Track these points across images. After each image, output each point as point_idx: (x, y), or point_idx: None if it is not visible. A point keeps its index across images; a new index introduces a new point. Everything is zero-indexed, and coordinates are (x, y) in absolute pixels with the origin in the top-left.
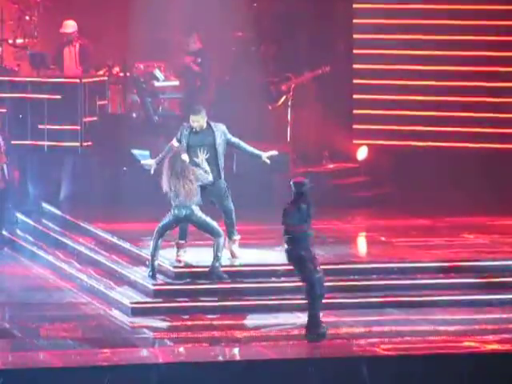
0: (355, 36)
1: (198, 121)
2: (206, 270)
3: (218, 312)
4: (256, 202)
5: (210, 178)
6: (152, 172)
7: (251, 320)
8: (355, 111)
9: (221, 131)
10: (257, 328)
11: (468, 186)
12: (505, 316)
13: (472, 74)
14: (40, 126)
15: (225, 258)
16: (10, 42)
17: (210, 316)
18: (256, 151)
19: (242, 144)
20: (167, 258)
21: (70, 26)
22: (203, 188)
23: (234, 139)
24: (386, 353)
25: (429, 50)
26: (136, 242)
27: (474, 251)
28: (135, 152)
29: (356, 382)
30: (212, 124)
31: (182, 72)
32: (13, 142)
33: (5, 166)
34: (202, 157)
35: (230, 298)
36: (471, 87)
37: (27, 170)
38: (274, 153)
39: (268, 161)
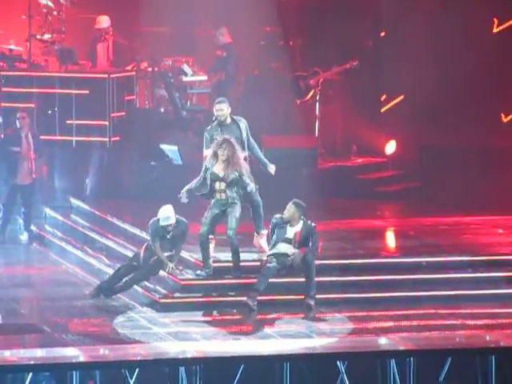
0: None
1: (222, 109)
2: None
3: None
4: (284, 197)
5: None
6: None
7: (279, 314)
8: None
9: (245, 125)
10: (288, 323)
11: (497, 181)
12: None
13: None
14: (68, 121)
15: (252, 254)
16: (38, 37)
17: (237, 311)
18: (264, 159)
19: (256, 147)
20: (195, 252)
21: (104, 20)
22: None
23: (251, 139)
24: (414, 347)
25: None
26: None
27: (503, 246)
28: (163, 147)
29: (385, 376)
30: (236, 118)
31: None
32: (41, 138)
33: (33, 162)
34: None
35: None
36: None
37: (55, 165)
38: (273, 169)
39: (273, 172)
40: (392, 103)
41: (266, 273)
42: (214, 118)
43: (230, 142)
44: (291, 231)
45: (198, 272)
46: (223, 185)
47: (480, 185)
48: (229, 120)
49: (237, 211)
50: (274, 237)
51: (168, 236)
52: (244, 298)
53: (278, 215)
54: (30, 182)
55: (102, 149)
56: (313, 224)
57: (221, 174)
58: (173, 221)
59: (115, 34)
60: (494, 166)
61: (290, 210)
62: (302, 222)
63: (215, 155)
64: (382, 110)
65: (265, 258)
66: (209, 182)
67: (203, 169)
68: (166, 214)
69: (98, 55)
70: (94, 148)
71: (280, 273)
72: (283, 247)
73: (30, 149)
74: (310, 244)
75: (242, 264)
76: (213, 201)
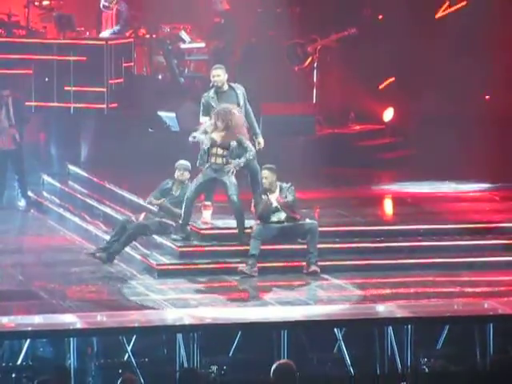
0: None
1: (219, 75)
2: (232, 231)
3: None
4: (281, 164)
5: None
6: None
7: (277, 281)
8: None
9: (242, 92)
10: (286, 290)
11: (494, 150)
12: None
13: None
14: (66, 88)
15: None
16: (36, 3)
17: (235, 277)
18: (257, 129)
19: (252, 115)
20: (193, 219)
21: None
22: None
23: (248, 106)
24: (411, 315)
25: None
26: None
27: (501, 213)
28: (161, 114)
29: (382, 343)
30: (233, 85)
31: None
32: (38, 104)
33: (14, 127)
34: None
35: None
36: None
37: (53, 132)
38: (261, 145)
39: (261, 144)
40: (388, 81)
41: (256, 235)
42: (211, 84)
43: (227, 110)
44: (274, 200)
45: (174, 236)
46: (220, 150)
47: (478, 153)
48: (226, 86)
49: (232, 178)
50: (259, 207)
51: (175, 194)
52: (241, 266)
53: (259, 190)
54: (14, 147)
55: (100, 116)
56: (288, 184)
57: (219, 141)
58: (188, 176)
59: (120, 2)
60: (493, 133)
61: (266, 177)
62: (278, 186)
63: (214, 124)
64: (381, 87)
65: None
66: (206, 147)
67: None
68: (186, 164)
69: (103, 24)
70: (92, 115)
71: (276, 239)
72: (274, 217)
73: (10, 115)
74: (287, 198)
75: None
76: (206, 165)
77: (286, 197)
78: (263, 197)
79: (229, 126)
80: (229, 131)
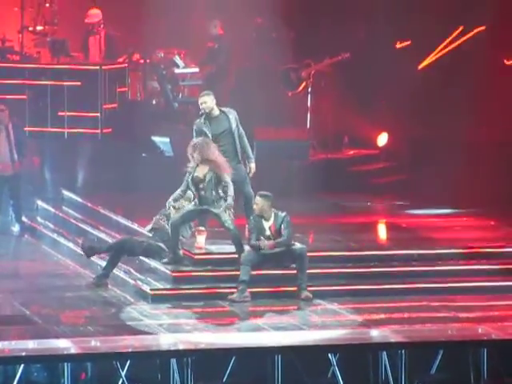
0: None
1: (206, 101)
2: (226, 256)
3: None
4: (275, 189)
5: None
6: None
7: (271, 306)
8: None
9: (234, 116)
10: (280, 315)
11: (488, 174)
12: None
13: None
14: (60, 113)
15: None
16: (31, 29)
17: (229, 303)
18: (250, 153)
19: (245, 139)
20: (187, 244)
21: (95, 14)
22: None
23: (241, 130)
24: (406, 340)
25: None
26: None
27: (496, 238)
28: (155, 139)
29: (376, 368)
30: (225, 110)
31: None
32: (32, 129)
33: (13, 153)
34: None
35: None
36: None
37: (47, 156)
38: (252, 170)
39: (253, 170)
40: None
41: (244, 261)
42: (200, 112)
43: (198, 144)
44: (267, 227)
45: (164, 260)
46: (204, 185)
47: (471, 177)
48: (217, 112)
49: (222, 207)
50: (253, 236)
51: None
52: (231, 295)
53: (252, 215)
54: (12, 172)
55: (94, 141)
56: (283, 213)
57: (201, 175)
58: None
59: (107, 26)
60: (483, 160)
61: (257, 203)
62: (273, 215)
63: (191, 156)
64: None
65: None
66: (193, 187)
67: (186, 177)
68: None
69: (90, 48)
70: (86, 140)
71: (267, 265)
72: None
73: (10, 140)
74: (283, 233)
75: (234, 256)
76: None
77: (280, 227)
78: (255, 243)
79: (207, 159)
80: (209, 164)
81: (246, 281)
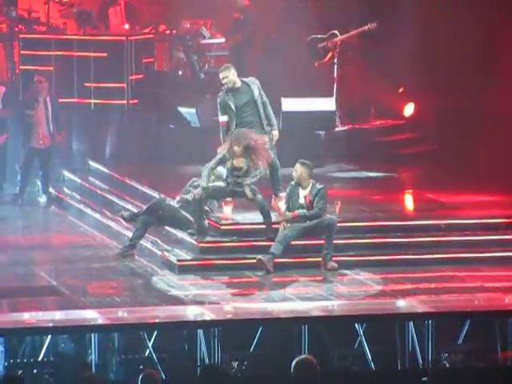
0: None
1: (227, 76)
2: (252, 226)
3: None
4: (301, 159)
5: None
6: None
7: (298, 277)
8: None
9: (256, 85)
10: (307, 285)
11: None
12: None
13: None
14: (86, 84)
15: (272, 215)
16: (57, 0)
17: (256, 273)
18: (273, 120)
19: (269, 107)
20: (214, 215)
21: None
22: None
23: (265, 98)
24: (432, 310)
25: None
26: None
27: None
28: (181, 109)
29: (403, 338)
30: (246, 80)
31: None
32: (60, 100)
33: (50, 126)
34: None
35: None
36: None
37: (73, 127)
38: (276, 137)
39: (275, 137)
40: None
41: (281, 240)
42: (222, 87)
43: (241, 135)
44: (302, 195)
45: (189, 231)
46: (240, 173)
47: (500, 148)
48: (239, 83)
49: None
50: (288, 204)
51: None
52: (260, 256)
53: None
54: (46, 145)
55: (121, 112)
56: (320, 186)
57: (239, 165)
58: None
59: None
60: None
61: (297, 170)
62: (310, 185)
63: (231, 151)
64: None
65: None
66: (229, 174)
67: (218, 157)
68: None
69: (111, 19)
70: (112, 111)
71: (298, 236)
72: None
73: (48, 113)
74: (315, 205)
75: (262, 226)
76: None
77: (314, 198)
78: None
79: (248, 147)
80: (250, 152)
81: (274, 254)
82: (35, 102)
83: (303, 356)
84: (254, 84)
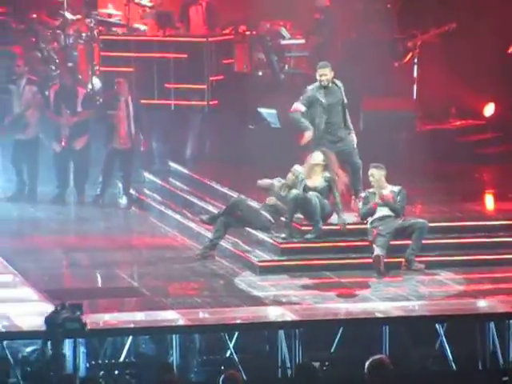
0: None
1: (326, 74)
2: (331, 227)
3: (346, 269)
4: (381, 160)
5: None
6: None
7: (377, 277)
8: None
9: (342, 86)
10: (387, 286)
11: None
12: None
13: None
14: (167, 85)
15: (351, 216)
16: (136, 1)
17: (336, 273)
18: (350, 124)
19: (346, 109)
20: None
21: None
22: (333, 143)
23: (346, 101)
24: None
25: None
26: (263, 200)
27: None
28: (262, 110)
29: (483, 338)
30: (336, 81)
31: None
32: (140, 101)
33: (131, 126)
34: None
35: (356, 255)
36: None
37: (154, 129)
38: (354, 140)
39: (354, 140)
40: None
41: (381, 245)
42: (318, 83)
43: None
44: (383, 194)
45: (283, 235)
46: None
47: None
48: (331, 83)
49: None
50: (365, 209)
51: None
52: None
53: (367, 190)
54: (127, 146)
55: (201, 113)
56: (398, 187)
57: (312, 185)
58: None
59: None
60: None
61: (374, 174)
62: (389, 188)
63: (311, 169)
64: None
65: (368, 227)
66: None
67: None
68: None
69: (192, 19)
70: (193, 112)
71: (390, 236)
72: (381, 210)
73: (129, 113)
74: (398, 203)
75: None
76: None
77: (396, 198)
78: (370, 196)
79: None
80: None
81: (384, 254)
82: (117, 102)
83: (376, 356)
84: (342, 86)
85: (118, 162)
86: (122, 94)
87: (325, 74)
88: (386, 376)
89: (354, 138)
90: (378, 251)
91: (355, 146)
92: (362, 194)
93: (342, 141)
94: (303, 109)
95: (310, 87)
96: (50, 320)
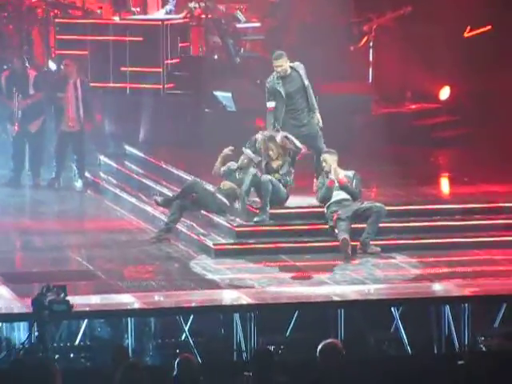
0: None
1: (281, 65)
2: (288, 211)
3: (302, 252)
4: (337, 144)
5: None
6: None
7: (332, 261)
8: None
9: (302, 70)
10: (343, 270)
11: None
12: None
13: None
14: (122, 69)
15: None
16: None
17: (292, 257)
18: (315, 105)
19: (311, 90)
20: (250, 200)
21: None
22: (297, 127)
23: (308, 82)
24: (468, 293)
25: None
26: (218, 184)
27: None
28: (217, 94)
29: (439, 322)
30: (294, 66)
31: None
32: (94, 85)
33: (80, 108)
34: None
35: (313, 238)
36: None
37: (109, 112)
38: (319, 121)
39: (319, 122)
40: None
41: (343, 228)
42: (274, 73)
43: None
44: (336, 180)
45: (256, 219)
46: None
47: None
48: (289, 70)
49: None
50: (320, 194)
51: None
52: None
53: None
54: (76, 128)
55: (157, 96)
56: (351, 172)
57: (275, 166)
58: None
59: None
60: None
61: (326, 160)
62: (342, 172)
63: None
64: (466, 35)
65: (326, 211)
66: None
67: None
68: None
69: (149, 2)
70: (149, 95)
71: (348, 220)
72: (338, 194)
73: (78, 96)
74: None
75: (298, 210)
76: None
77: (352, 181)
78: (325, 179)
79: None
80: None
81: (347, 237)
82: (65, 84)
83: (329, 340)
84: (302, 70)
85: (71, 145)
86: (71, 77)
87: (280, 65)
88: (337, 360)
89: (318, 118)
90: (343, 235)
91: (321, 124)
92: (316, 180)
93: (306, 125)
94: (273, 104)
95: (268, 79)
96: (37, 302)
